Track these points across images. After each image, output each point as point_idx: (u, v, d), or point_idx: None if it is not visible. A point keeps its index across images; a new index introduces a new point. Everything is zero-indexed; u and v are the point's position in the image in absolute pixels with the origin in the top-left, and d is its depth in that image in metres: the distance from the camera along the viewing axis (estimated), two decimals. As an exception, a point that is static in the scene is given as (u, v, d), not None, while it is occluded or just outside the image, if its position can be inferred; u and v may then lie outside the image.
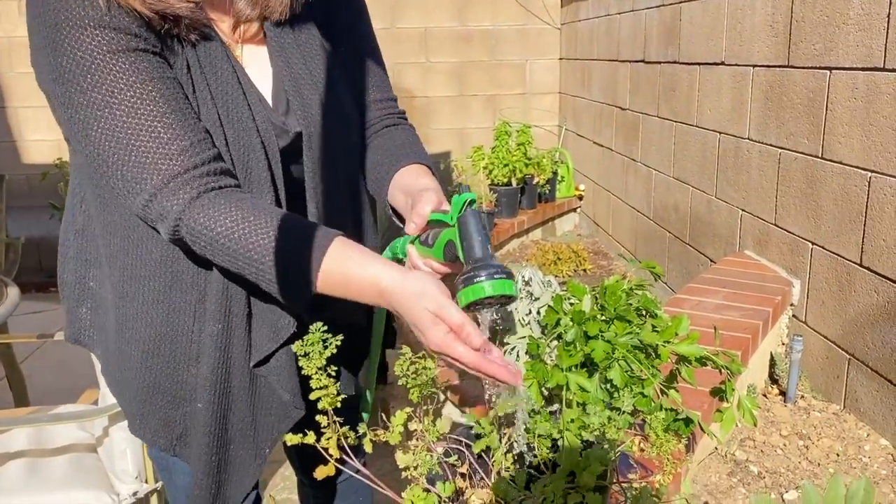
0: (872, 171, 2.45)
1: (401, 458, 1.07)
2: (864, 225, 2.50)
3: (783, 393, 2.79)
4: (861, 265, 2.53)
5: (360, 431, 1.06)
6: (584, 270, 4.82)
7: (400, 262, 1.22)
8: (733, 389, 1.27)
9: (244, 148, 1.14)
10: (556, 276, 4.37)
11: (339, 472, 1.06)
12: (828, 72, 2.65)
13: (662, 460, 1.11)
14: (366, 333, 1.48)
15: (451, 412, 2.37)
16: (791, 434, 2.52)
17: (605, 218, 5.31)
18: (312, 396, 1.02)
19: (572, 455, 1.03)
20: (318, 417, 1.04)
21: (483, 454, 1.14)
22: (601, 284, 1.27)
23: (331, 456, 1.02)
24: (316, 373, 0.99)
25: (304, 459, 1.63)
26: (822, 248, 2.75)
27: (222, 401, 1.24)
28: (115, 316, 1.23)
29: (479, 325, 1.07)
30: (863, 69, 2.47)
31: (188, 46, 1.11)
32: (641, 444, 1.11)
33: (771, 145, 3.05)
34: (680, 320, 1.25)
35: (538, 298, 1.48)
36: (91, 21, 1.01)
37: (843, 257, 2.63)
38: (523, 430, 1.14)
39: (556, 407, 1.25)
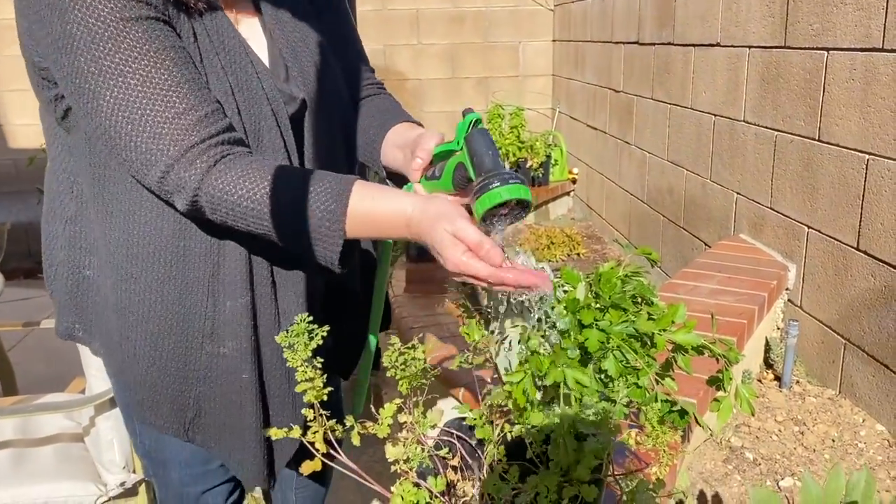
0: (870, 154, 2.42)
1: (390, 451, 1.04)
2: (861, 208, 2.47)
3: (778, 378, 2.78)
4: (858, 249, 2.50)
5: (348, 424, 1.03)
6: (578, 255, 4.79)
7: None
8: (731, 379, 1.24)
9: (255, 116, 1.14)
10: (549, 261, 4.35)
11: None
12: (825, 52, 2.61)
13: (658, 452, 1.08)
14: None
15: (442, 403, 2.35)
16: (786, 420, 2.51)
17: (599, 201, 5.27)
18: (298, 389, 0.99)
19: (567, 448, 1.00)
20: (304, 411, 1.01)
21: (474, 447, 1.11)
22: (596, 271, 1.24)
23: (317, 450, 0.99)
24: (301, 365, 0.95)
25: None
26: (819, 231, 2.73)
27: (259, 372, 1.23)
28: (117, 301, 1.19)
29: None
30: (861, 50, 2.43)
31: (195, 16, 1.10)
32: (638, 437, 1.08)
33: (767, 128, 3.01)
34: (676, 308, 1.21)
35: (531, 286, 1.44)
36: None
37: (840, 241, 2.60)
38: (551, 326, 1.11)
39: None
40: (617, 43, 4.67)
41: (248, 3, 1.22)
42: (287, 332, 0.98)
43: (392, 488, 1.01)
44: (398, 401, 1.07)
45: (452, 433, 1.14)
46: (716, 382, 1.27)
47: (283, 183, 1.04)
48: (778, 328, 2.97)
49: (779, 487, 2.17)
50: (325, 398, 1.00)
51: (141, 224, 1.14)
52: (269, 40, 1.23)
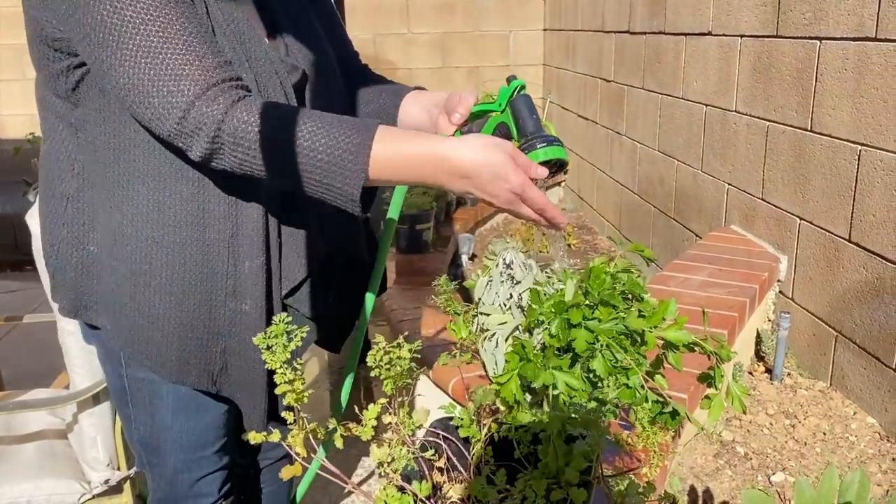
0: (862, 145, 2.40)
1: (375, 453, 1.02)
2: (854, 200, 2.46)
3: (769, 370, 2.76)
4: (849, 241, 2.49)
5: (331, 426, 1.00)
6: (569, 245, 4.77)
7: None
8: (722, 376, 1.21)
9: (265, 85, 1.18)
10: (539, 252, 4.32)
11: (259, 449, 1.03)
12: (817, 42, 2.59)
13: (649, 452, 1.06)
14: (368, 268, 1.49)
15: (427, 403, 2.32)
16: (777, 413, 2.49)
17: (590, 192, 5.25)
18: (278, 391, 0.96)
19: (556, 450, 0.97)
20: (283, 413, 0.98)
21: (461, 445, 1.08)
22: (585, 267, 1.21)
23: (297, 454, 0.96)
24: (280, 367, 0.93)
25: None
26: (810, 223, 2.71)
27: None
28: (137, 269, 1.20)
29: None
30: (854, 39, 2.40)
31: None
32: (628, 438, 1.06)
33: (758, 118, 2.99)
34: (667, 304, 1.19)
35: (520, 282, 1.42)
36: None
37: (832, 233, 2.58)
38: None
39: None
40: (608, 32, 4.64)
41: None
42: (265, 334, 0.95)
43: (375, 493, 0.98)
44: (383, 401, 1.04)
45: (438, 433, 1.11)
46: (707, 380, 1.25)
47: (307, 117, 1.07)
48: (769, 320, 2.95)
49: (770, 482, 2.15)
50: (304, 400, 0.97)
51: (161, 189, 1.17)
52: (262, 14, 1.27)
